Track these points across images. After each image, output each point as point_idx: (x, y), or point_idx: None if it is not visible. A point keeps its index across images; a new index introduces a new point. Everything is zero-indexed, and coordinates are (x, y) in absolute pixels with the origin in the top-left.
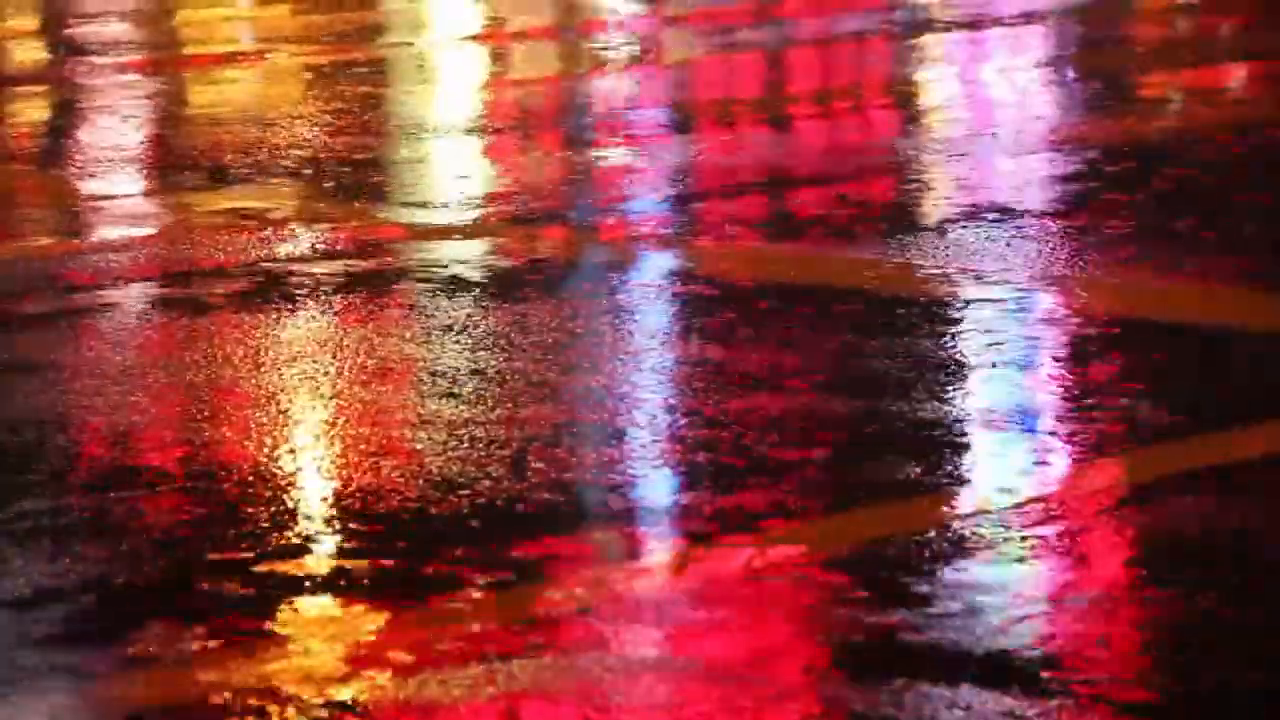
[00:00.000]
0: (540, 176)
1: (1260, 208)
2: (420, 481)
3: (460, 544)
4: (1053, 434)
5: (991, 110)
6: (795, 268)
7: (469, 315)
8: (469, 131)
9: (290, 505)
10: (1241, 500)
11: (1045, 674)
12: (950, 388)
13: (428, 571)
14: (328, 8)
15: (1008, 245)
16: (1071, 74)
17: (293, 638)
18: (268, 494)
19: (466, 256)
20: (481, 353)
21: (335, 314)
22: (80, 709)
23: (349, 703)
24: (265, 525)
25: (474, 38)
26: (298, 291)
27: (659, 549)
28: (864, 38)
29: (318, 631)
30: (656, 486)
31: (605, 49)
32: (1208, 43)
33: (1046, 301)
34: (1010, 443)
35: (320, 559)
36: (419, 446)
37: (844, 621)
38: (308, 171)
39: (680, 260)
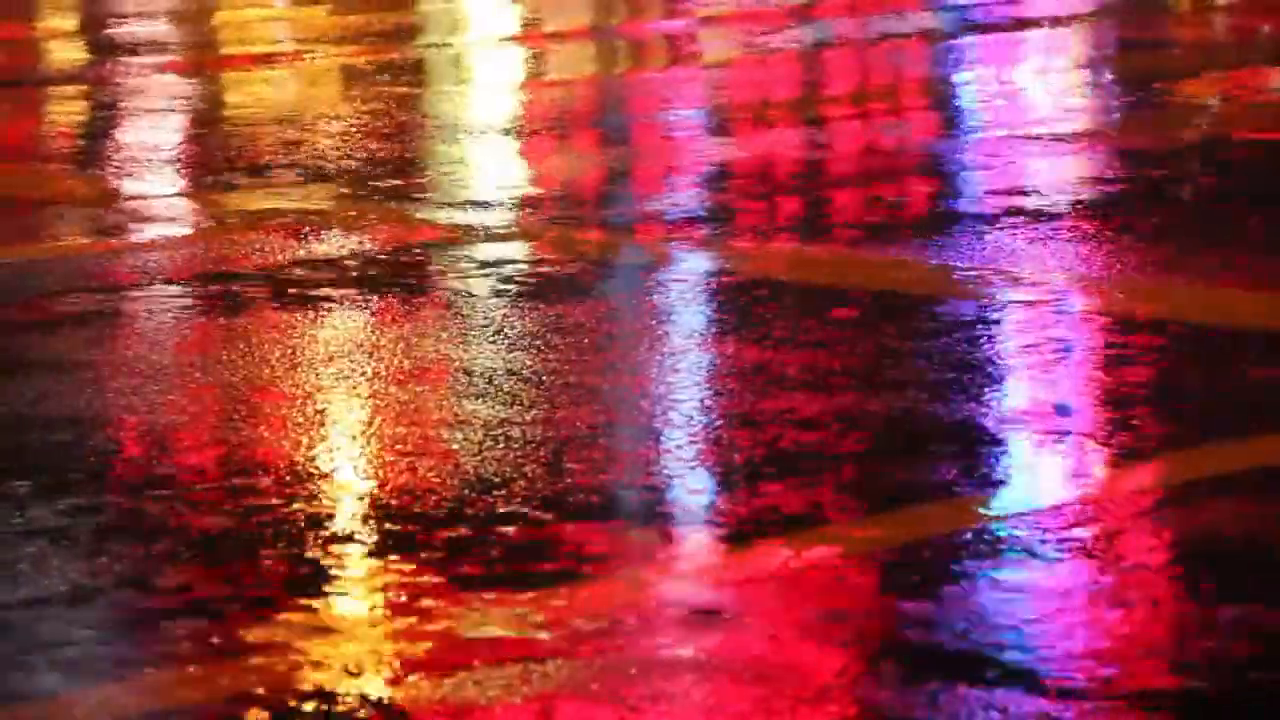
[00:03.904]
0: (577, 177)
1: None
2: (456, 481)
3: (496, 544)
4: (1090, 436)
5: (1028, 112)
6: (832, 269)
7: (505, 316)
8: (506, 132)
9: (326, 504)
10: (1279, 504)
11: (1081, 677)
12: (987, 389)
13: (463, 571)
14: (365, 8)
15: (1045, 247)
16: (1108, 76)
17: (328, 636)
18: (304, 493)
19: (503, 257)
20: (518, 353)
21: (372, 314)
22: (117, 704)
23: (384, 701)
24: (301, 524)
25: (511, 38)
26: (334, 292)
27: (695, 549)
28: (900, 39)
29: (352, 630)
30: (692, 487)
31: (642, 49)
32: (1247, 44)
33: (1083, 303)
34: (1047, 445)
35: (355, 558)
36: (455, 446)
37: (880, 623)
38: (345, 172)
39: (716, 261)
